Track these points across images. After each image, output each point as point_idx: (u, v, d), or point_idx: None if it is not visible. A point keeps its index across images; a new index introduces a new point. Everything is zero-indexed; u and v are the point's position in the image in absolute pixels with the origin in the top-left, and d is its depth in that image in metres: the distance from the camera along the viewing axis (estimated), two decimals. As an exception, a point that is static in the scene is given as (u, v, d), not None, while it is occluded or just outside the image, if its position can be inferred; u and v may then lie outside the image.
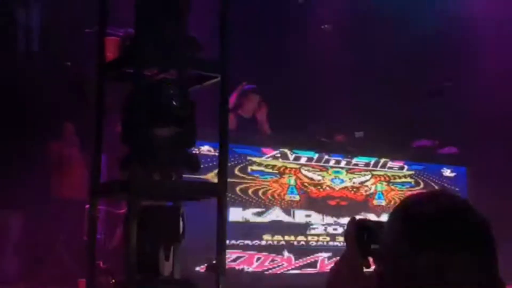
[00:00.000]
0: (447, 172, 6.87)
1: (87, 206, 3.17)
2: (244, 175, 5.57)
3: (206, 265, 3.06)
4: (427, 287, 0.83)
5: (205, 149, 5.27)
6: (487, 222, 0.90)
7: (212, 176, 4.89)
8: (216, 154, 3.05)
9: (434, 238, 0.84)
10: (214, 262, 2.93)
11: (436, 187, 6.73)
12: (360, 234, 1.07)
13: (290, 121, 6.51)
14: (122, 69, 3.04)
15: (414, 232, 0.87)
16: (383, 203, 6.29)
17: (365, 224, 1.11)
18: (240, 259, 5.45)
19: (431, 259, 0.83)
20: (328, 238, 5.94)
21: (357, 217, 1.17)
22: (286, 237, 5.72)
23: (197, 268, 4.88)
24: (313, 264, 5.83)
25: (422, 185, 6.63)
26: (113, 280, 2.90)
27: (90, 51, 3.54)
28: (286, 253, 5.70)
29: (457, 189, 6.86)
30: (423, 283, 0.84)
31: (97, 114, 3.03)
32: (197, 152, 5.15)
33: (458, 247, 0.84)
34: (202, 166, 3.38)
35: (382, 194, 6.35)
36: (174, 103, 2.73)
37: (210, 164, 5.05)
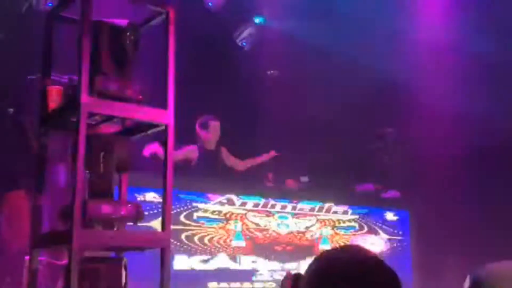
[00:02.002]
0: (390, 216, 7.01)
1: (27, 257, 3.08)
2: (189, 222, 5.53)
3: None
4: None
5: (151, 196, 5.23)
6: (395, 276, 0.93)
7: (157, 224, 4.84)
8: (161, 201, 3.03)
9: None
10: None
11: (380, 231, 6.84)
12: (294, 286, 1.09)
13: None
14: (65, 117, 3.01)
15: None
16: (328, 247, 6.34)
17: (300, 278, 1.13)
18: (186, 308, 5.36)
19: None
20: (274, 285, 5.93)
21: (299, 267, 1.20)
22: (232, 284, 5.68)
23: (141, 318, 4.78)
24: (259, 311, 5.80)
25: (366, 229, 6.73)
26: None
27: (33, 99, 3.50)
28: (232, 301, 5.65)
29: (400, 232, 6.99)
30: None
31: (38, 164, 2.98)
32: (142, 198, 5.11)
33: None
34: (147, 213, 3.35)
35: (327, 238, 6.41)
36: (118, 153, 2.72)
37: (155, 211, 5.01)
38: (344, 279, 0.89)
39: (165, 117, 3.02)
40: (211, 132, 6.16)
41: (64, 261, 4.12)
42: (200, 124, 6.18)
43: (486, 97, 6.85)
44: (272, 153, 6.59)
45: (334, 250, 1.01)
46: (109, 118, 3.02)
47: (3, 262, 6.13)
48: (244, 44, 7.72)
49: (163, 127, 3.03)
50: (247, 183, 6.35)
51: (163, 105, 3.04)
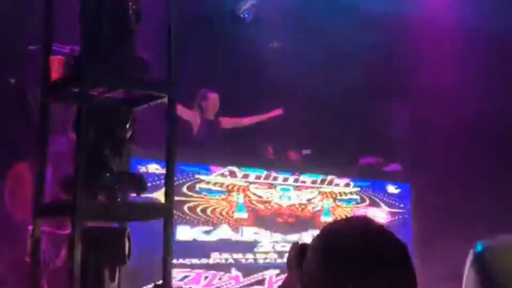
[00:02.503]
0: (391, 189, 7.02)
1: (30, 227, 3.10)
2: (192, 193, 5.56)
3: (153, 284, 3.03)
4: None
5: (153, 167, 5.24)
6: (403, 247, 0.93)
7: (159, 195, 4.86)
8: (164, 172, 3.04)
9: (352, 267, 0.87)
10: (160, 281, 2.91)
11: (381, 204, 6.87)
12: (301, 258, 1.09)
13: (238, 139, 6.54)
14: (67, 88, 3.01)
15: (332, 263, 0.89)
16: (330, 219, 6.36)
17: (306, 248, 1.13)
18: (188, 278, 5.42)
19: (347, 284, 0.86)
20: (276, 256, 5.97)
21: (304, 238, 1.20)
22: (234, 255, 5.72)
23: (144, 288, 4.83)
24: (261, 282, 5.85)
25: (367, 202, 6.76)
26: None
27: (35, 69, 3.48)
28: (234, 271, 5.70)
29: (401, 205, 7.02)
30: None
31: (41, 135, 2.98)
32: (145, 170, 5.12)
33: (375, 275, 0.87)
34: (149, 184, 3.36)
35: (329, 211, 6.43)
36: (121, 123, 2.72)
37: (158, 182, 5.03)
38: (353, 249, 0.89)
39: (168, 88, 3.01)
40: (210, 103, 6.29)
41: (67, 231, 4.15)
42: (200, 97, 6.30)
43: (490, 66, 6.82)
44: (279, 111, 6.67)
45: (341, 220, 1.01)
46: (111, 89, 3.01)
47: (7, 233, 6.18)
48: (246, 15, 7.65)
49: (166, 99, 3.02)
50: (249, 156, 6.37)
51: (165, 76, 3.03)
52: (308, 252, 0.97)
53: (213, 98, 6.37)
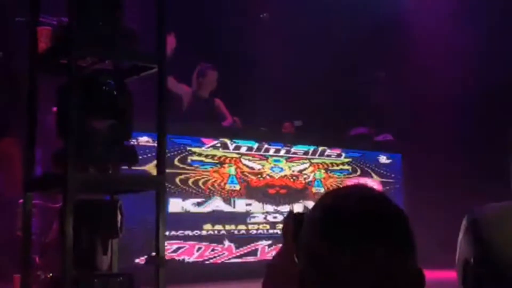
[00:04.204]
0: (383, 159, 7.04)
1: (21, 201, 3.08)
2: (183, 166, 5.54)
3: (145, 257, 3.04)
4: (344, 285, 0.85)
5: (144, 140, 5.21)
6: (403, 215, 0.92)
7: (151, 168, 4.85)
8: (155, 144, 3.01)
9: (352, 235, 0.86)
10: (153, 254, 2.91)
11: (373, 174, 6.89)
12: (298, 228, 1.08)
13: (229, 110, 6.50)
14: (55, 60, 2.96)
15: (331, 232, 0.88)
16: (322, 190, 6.38)
17: (302, 218, 1.11)
18: (181, 250, 5.43)
19: (348, 257, 0.85)
20: (268, 227, 6.00)
21: (295, 208, 1.18)
22: (227, 227, 5.74)
23: (137, 260, 4.84)
24: (253, 253, 5.88)
25: (359, 172, 6.77)
26: (49, 276, 2.84)
27: (22, 41, 3.43)
28: (226, 243, 5.72)
29: (392, 175, 7.05)
30: (340, 280, 0.85)
31: (29, 107, 2.95)
32: (136, 143, 5.09)
33: (375, 242, 0.86)
34: (140, 157, 3.34)
35: (321, 181, 6.45)
36: (110, 95, 2.68)
37: (149, 155, 5.01)
38: (352, 217, 0.87)
39: (157, 59, 2.97)
40: (207, 80, 6.18)
41: (59, 204, 4.14)
42: (198, 72, 6.20)
43: (478, 35, 6.79)
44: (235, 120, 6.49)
45: (339, 188, 0.99)
46: (100, 60, 2.97)
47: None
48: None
49: (155, 69, 2.99)
50: (240, 129, 6.34)
51: (155, 47, 2.99)
52: (305, 222, 0.95)
53: (211, 75, 6.20)
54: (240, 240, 5.81)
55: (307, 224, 0.94)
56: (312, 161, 6.43)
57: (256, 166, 6.01)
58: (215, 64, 6.31)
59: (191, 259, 5.50)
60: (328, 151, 6.57)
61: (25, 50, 3.10)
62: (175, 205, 5.43)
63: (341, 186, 6.69)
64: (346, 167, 6.70)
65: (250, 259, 5.83)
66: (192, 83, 6.25)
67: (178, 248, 5.42)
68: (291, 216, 1.09)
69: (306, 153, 6.40)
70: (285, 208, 6.02)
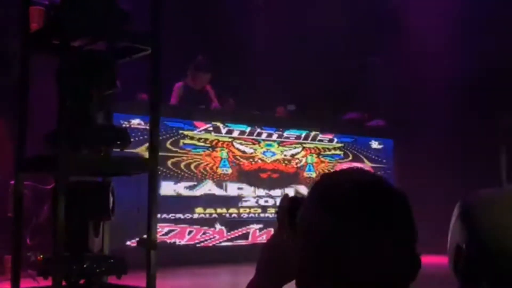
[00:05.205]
0: (375, 144, 7.06)
1: (12, 182, 3.06)
2: (176, 149, 5.53)
3: (137, 239, 3.03)
4: (345, 266, 0.85)
5: (136, 122, 5.19)
6: (403, 196, 0.92)
7: (143, 150, 4.83)
8: (147, 127, 2.99)
9: (351, 219, 0.86)
10: (145, 236, 2.90)
11: (364, 159, 6.90)
12: (293, 212, 1.07)
13: (222, 94, 6.48)
14: (48, 40, 2.93)
15: (329, 215, 0.88)
16: (313, 175, 6.40)
17: (297, 201, 1.11)
18: (172, 233, 5.44)
19: (350, 238, 0.85)
20: (259, 210, 6.01)
21: (290, 192, 1.18)
22: (218, 210, 5.75)
23: (128, 243, 4.84)
24: (245, 236, 5.89)
25: (351, 157, 6.79)
26: (40, 257, 2.83)
27: (14, 21, 3.38)
28: (218, 226, 5.73)
29: (384, 160, 7.07)
30: (341, 261, 0.85)
31: (21, 88, 2.91)
32: (128, 125, 5.07)
33: (376, 224, 0.86)
34: (132, 140, 3.32)
35: (313, 166, 6.45)
36: (103, 78, 2.66)
37: (141, 137, 4.99)
38: (351, 199, 0.87)
39: (151, 40, 2.94)
40: (201, 75, 6.10)
41: (50, 186, 4.12)
42: (195, 65, 6.10)
43: (473, 22, 6.78)
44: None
45: (336, 171, 0.98)
46: (93, 41, 2.93)
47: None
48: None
49: (149, 51, 2.96)
50: (233, 113, 6.32)
51: (149, 29, 2.96)
52: (301, 206, 0.95)
53: (206, 75, 6.14)
54: (232, 224, 5.82)
55: (305, 207, 0.93)
56: (304, 145, 6.43)
57: (248, 150, 6.01)
58: (209, 50, 6.26)
59: (183, 242, 5.51)
60: (320, 136, 6.57)
61: (17, 29, 3.06)
62: (167, 188, 5.43)
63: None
64: (338, 152, 6.71)
65: (241, 242, 5.85)
66: (187, 74, 6.14)
67: (170, 231, 5.42)
68: (287, 199, 1.08)
69: (298, 137, 6.40)
70: (277, 193, 6.03)
